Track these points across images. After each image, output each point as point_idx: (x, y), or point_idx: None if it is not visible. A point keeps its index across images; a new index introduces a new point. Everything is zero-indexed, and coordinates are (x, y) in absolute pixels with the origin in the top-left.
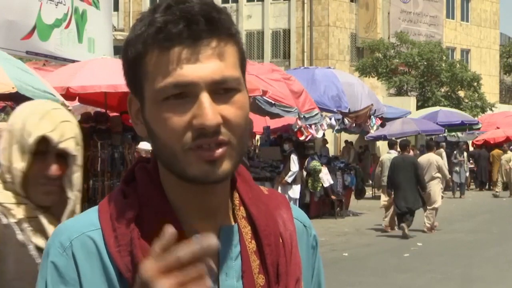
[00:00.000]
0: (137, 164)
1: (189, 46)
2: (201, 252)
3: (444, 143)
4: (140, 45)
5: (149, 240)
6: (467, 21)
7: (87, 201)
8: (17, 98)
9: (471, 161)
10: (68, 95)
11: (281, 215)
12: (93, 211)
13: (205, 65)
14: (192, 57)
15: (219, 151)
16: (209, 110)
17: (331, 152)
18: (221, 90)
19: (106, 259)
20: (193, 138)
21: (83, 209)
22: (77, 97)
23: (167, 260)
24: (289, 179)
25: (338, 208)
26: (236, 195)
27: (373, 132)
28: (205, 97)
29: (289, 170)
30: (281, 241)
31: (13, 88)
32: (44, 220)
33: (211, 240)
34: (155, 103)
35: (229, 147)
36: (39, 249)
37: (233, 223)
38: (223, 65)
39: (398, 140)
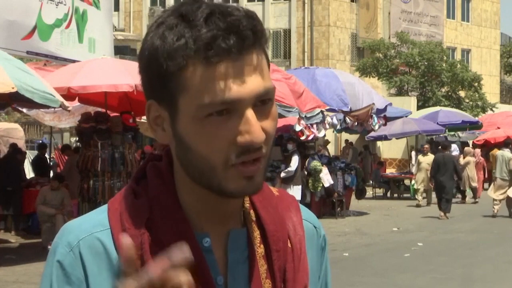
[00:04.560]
0: (148, 162)
1: (235, 61)
2: (174, 266)
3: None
4: (180, 59)
5: (159, 243)
6: (468, 21)
7: (87, 201)
8: (17, 98)
9: None
10: (69, 95)
11: (291, 218)
12: (102, 210)
13: (250, 80)
14: (238, 73)
15: (258, 166)
16: (257, 127)
17: (332, 152)
18: (259, 102)
19: (115, 259)
20: (238, 154)
21: (83, 209)
22: (77, 97)
23: (139, 282)
24: (283, 174)
25: (338, 208)
26: (246, 198)
27: (376, 130)
28: (251, 114)
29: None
30: (290, 246)
31: (13, 88)
32: None
33: (182, 254)
34: (195, 118)
35: (264, 160)
36: None
37: (243, 226)
38: (264, 77)
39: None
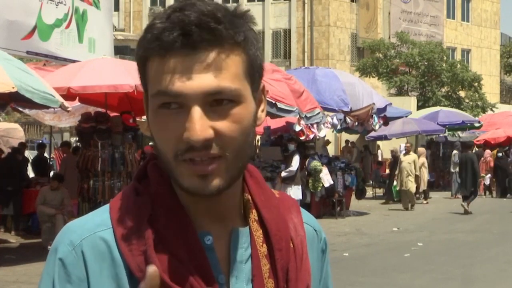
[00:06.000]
0: (150, 162)
1: (185, 56)
2: None
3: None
4: (141, 50)
5: (163, 239)
6: (468, 21)
7: (87, 201)
8: (17, 98)
9: None
10: (69, 95)
11: (292, 219)
12: (104, 210)
13: (199, 77)
14: (185, 68)
15: (211, 166)
16: (197, 125)
17: (332, 152)
18: (216, 102)
19: (117, 258)
20: (184, 151)
21: (83, 209)
22: (78, 97)
23: None
24: (284, 174)
25: (338, 208)
26: (248, 197)
27: (377, 130)
28: (195, 111)
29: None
30: (292, 246)
31: (13, 88)
32: None
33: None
34: (152, 110)
35: (223, 162)
36: None
37: (245, 225)
38: (220, 76)
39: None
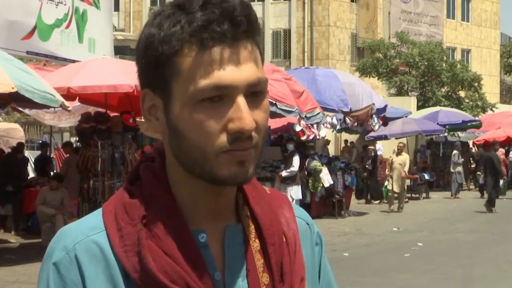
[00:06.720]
0: (141, 163)
1: (230, 47)
2: None
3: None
4: (174, 43)
5: (156, 239)
6: (468, 21)
7: (87, 201)
8: (17, 98)
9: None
10: (69, 95)
11: (284, 214)
12: (97, 213)
13: (244, 68)
14: (232, 58)
15: (250, 152)
16: (247, 114)
17: (332, 152)
18: (251, 94)
19: (112, 260)
20: (229, 141)
21: (83, 209)
22: (77, 97)
23: None
24: (284, 173)
25: (338, 209)
26: (240, 194)
27: (376, 131)
28: (242, 101)
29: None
30: (284, 240)
31: (13, 88)
32: None
33: None
34: (188, 104)
35: (255, 150)
36: None
37: (237, 222)
38: (257, 67)
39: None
